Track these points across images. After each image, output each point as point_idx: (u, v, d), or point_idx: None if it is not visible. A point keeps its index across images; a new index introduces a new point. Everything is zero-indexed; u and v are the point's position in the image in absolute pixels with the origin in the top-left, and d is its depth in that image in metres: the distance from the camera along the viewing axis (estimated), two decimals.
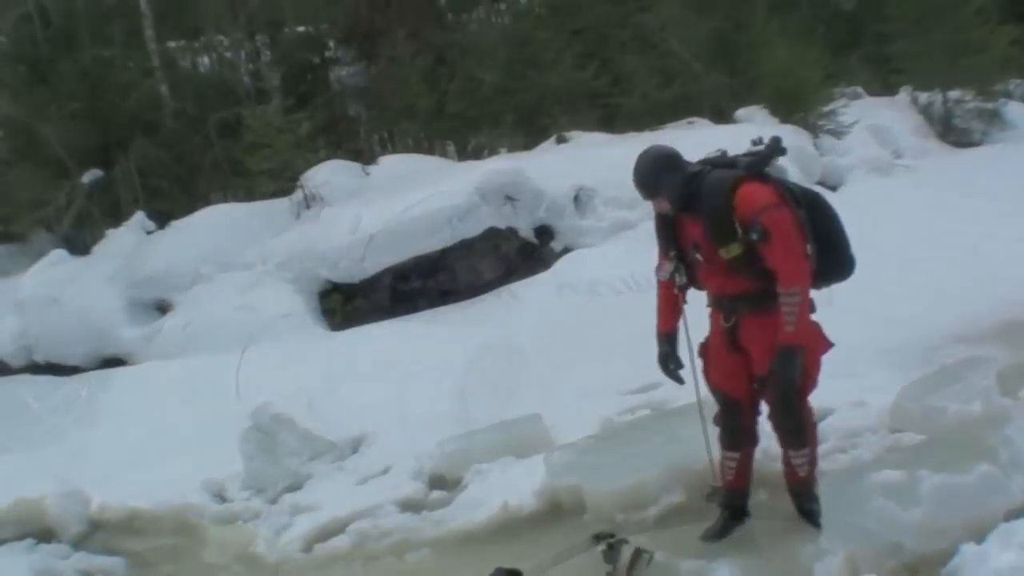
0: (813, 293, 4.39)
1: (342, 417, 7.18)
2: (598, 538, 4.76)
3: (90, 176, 15.59)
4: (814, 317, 4.43)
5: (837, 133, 14.36)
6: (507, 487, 5.63)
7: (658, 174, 4.41)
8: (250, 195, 13.00)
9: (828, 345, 4.51)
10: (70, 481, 7.04)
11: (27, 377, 11.44)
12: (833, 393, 5.07)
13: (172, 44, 19.69)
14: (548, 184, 10.72)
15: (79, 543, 6.55)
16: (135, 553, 6.33)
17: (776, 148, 4.46)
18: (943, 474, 4.39)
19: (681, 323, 4.72)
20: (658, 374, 4.85)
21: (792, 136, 12.55)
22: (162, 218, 13.17)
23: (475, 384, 7.53)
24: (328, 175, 12.10)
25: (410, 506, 5.93)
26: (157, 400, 9.00)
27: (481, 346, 8.23)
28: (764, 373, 4.39)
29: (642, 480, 5.28)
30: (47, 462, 7.87)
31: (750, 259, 4.27)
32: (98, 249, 13.30)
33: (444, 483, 6.12)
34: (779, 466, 4.80)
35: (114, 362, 10.84)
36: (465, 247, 10.11)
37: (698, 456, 4.96)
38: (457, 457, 6.16)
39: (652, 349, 4.83)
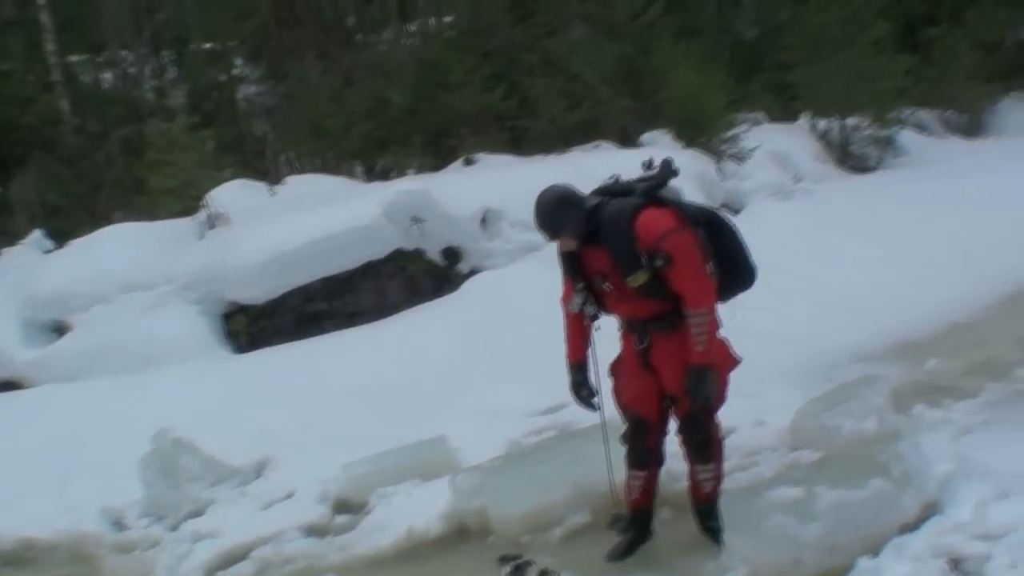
0: (719, 309, 4.50)
1: (245, 441, 7.03)
2: (504, 560, 4.77)
3: None
4: (721, 333, 4.53)
5: (739, 158, 14.70)
6: (413, 510, 5.61)
7: (559, 215, 4.44)
8: (153, 214, 12.72)
9: (735, 362, 4.62)
10: None
11: None
12: (734, 412, 5.17)
13: (74, 58, 19.29)
14: (455, 206, 10.74)
15: None
16: None
17: (668, 171, 4.55)
18: (839, 490, 4.51)
19: (591, 350, 4.78)
20: (564, 395, 4.93)
21: (695, 160, 12.84)
22: (61, 237, 12.82)
23: (381, 406, 7.46)
24: (233, 195, 11.94)
25: (315, 531, 5.82)
26: (53, 425, 8.70)
27: (386, 368, 8.18)
28: (676, 392, 4.48)
29: (548, 501, 5.31)
30: None
31: (658, 284, 4.35)
32: None
33: (349, 507, 6.02)
34: (682, 485, 4.88)
35: (8, 386, 10.48)
36: (372, 269, 10.05)
37: (604, 477, 5.01)
38: (362, 481, 6.09)
39: (558, 370, 4.89)
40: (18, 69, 16.79)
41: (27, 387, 10.16)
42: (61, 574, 6.18)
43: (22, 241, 13.12)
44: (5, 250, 13.07)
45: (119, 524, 6.49)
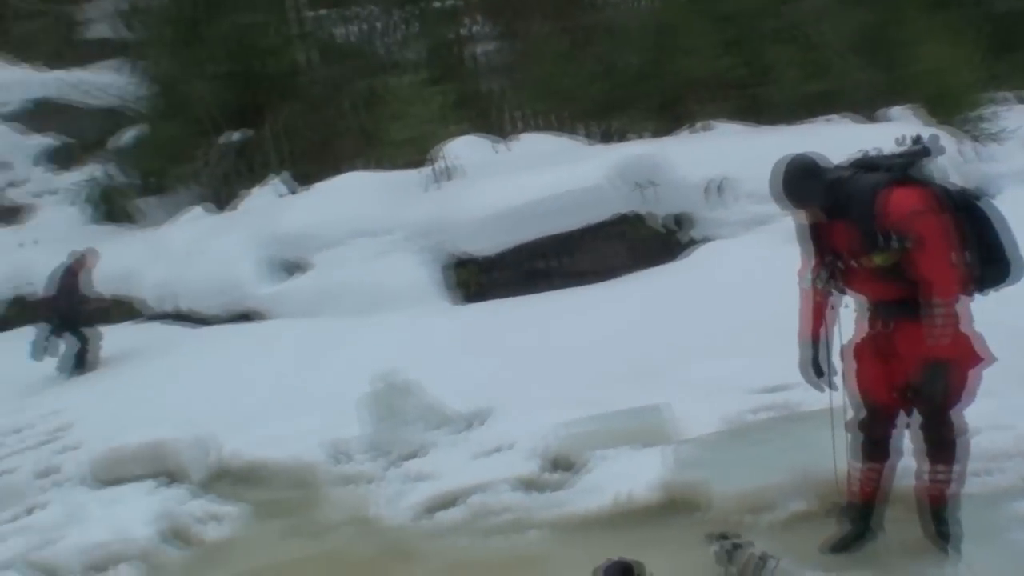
0: (975, 301, 4.21)
1: (466, 389, 7.18)
2: (714, 537, 4.65)
3: (236, 136, 16.10)
4: (973, 328, 4.24)
5: (994, 139, 13.73)
6: (627, 476, 5.53)
7: (802, 185, 4.27)
8: (386, 165, 13.18)
9: (982, 360, 4.28)
10: (200, 427, 7.28)
11: (168, 323, 11.97)
12: (974, 413, 4.83)
13: (318, 12, 20.06)
14: (685, 172, 10.56)
15: (204, 488, 6.73)
16: (255, 503, 6.47)
17: (922, 149, 4.28)
18: None
19: (826, 328, 4.56)
20: (789, 375, 4.75)
21: (943, 140, 12.05)
22: (300, 181, 13.51)
23: (598, 368, 7.43)
24: (463, 149, 12.20)
25: (527, 485, 5.86)
26: (285, 357, 9.22)
27: (607, 331, 8.14)
28: (917, 382, 4.22)
29: (767, 483, 5.13)
30: (181, 407, 8.17)
31: (902, 266, 4.11)
32: (239, 207, 13.75)
33: (563, 465, 6.01)
34: (917, 483, 4.60)
35: (247, 316, 11.18)
36: (596, 230, 10.03)
37: (828, 464, 4.78)
38: (578, 440, 6.06)
39: (784, 348, 4.71)
40: (265, 22, 17.64)
41: (264, 319, 10.82)
42: (286, 496, 6.56)
43: (266, 183, 13.91)
44: (251, 190, 13.91)
45: (341, 457, 6.79)
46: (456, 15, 19.98)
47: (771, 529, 4.98)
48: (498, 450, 6.36)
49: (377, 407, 6.84)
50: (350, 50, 19.53)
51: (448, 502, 5.87)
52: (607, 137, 14.81)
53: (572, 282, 9.86)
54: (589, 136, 14.85)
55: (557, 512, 5.52)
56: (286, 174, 13.83)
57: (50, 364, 10.97)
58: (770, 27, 15.91)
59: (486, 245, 10.16)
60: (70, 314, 11.16)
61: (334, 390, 7.74)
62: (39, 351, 10.95)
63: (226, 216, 13.86)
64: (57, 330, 11.08)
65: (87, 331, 11.23)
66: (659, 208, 10.26)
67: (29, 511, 6.67)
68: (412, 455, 6.58)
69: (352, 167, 13.69)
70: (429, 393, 6.96)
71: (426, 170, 11.69)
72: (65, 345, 11.10)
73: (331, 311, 10.23)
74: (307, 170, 14.12)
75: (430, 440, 6.69)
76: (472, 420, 6.91)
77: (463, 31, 19.71)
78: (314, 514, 6.21)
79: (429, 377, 7.14)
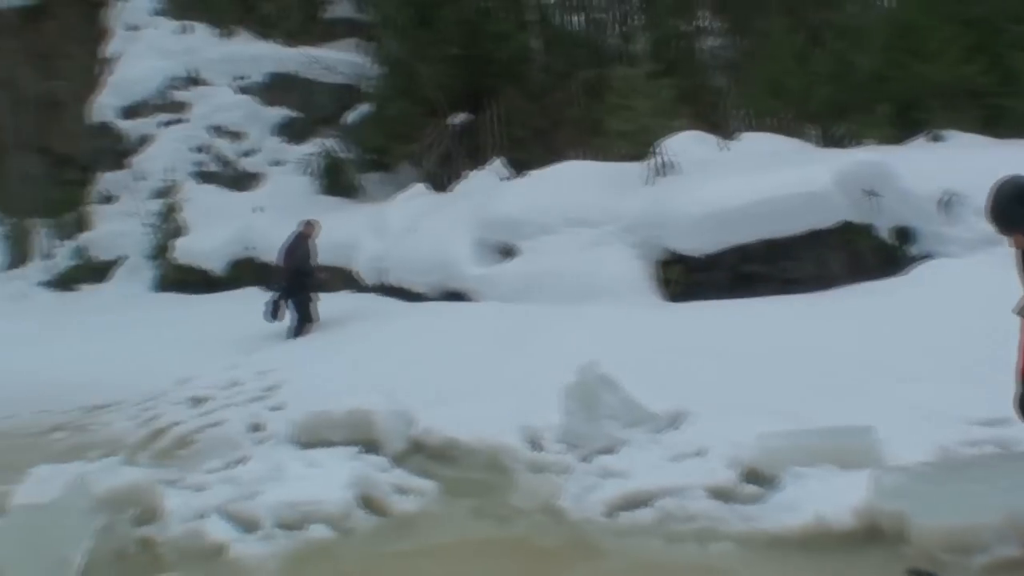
0: None
1: (665, 389, 7.07)
2: (919, 574, 4.39)
3: (459, 119, 16.51)
4: None
5: None
6: (825, 497, 5.28)
7: (1014, 208, 3.99)
8: (605, 155, 13.16)
9: None
10: (400, 400, 7.50)
11: (380, 296, 12.40)
12: None
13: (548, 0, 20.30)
14: (915, 184, 10.04)
15: (398, 460, 6.92)
16: (446, 480, 6.60)
17: None
18: None
19: None
20: (1011, 408, 4.39)
21: None
22: (519, 166, 13.70)
23: (804, 381, 7.14)
24: (685, 145, 12.03)
25: (720, 495, 5.70)
26: (489, 339, 9.35)
27: (817, 342, 7.82)
28: None
29: (977, 523, 4.75)
30: (384, 378, 8.43)
31: None
32: (457, 188, 14.10)
33: (759, 478, 5.82)
34: None
35: (455, 296, 11.44)
36: (816, 238, 9.64)
37: None
38: (777, 454, 5.84)
39: (1006, 380, 4.45)
40: (498, 7, 17.98)
41: (473, 300, 11.04)
42: (477, 477, 6.67)
43: (485, 166, 14.19)
44: (470, 173, 14.24)
45: (535, 444, 6.83)
46: (687, 8, 19.76)
47: (974, 572, 4.62)
48: (695, 455, 6.21)
49: (576, 398, 6.83)
50: (578, 39, 19.65)
51: (638, 502, 5.78)
52: (833, 141, 14.25)
53: (786, 289, 9.51)
54: (814, 139, 14.34)
55: (748, 526, 5.34)
56: (505, 159, 14.06)
57: (273, 326, 11.63)
58: (1020, 32, 14.85)
59: (698, 244, 9.95)
60: (298, 281, 11.78)
61: (534, 377, 7.80)
62: (270, 314, 11.66)
63: (444, 196, 14.24)
64: (284, 296, 11.74)
65: (312, 296, 11.83)
66: (880, 219, 9.77)
67: (235, 463, 7.06)
68: (606, 451, 6.53)
69: (571, 156, 13.77)
70: (628, 389, 6.89)
71: (647, 163, 11.57)
72: (289, 311, 11.74)
73: (539, 297, 10.31)
74: (525, 156, 14.31)
75: (625, 437, 6.62)
76: (669, 421, 6.79)
77: (690, 25, 19.49)
78: (503, 498, 6.27)
79: (630, 373, 7.07)
